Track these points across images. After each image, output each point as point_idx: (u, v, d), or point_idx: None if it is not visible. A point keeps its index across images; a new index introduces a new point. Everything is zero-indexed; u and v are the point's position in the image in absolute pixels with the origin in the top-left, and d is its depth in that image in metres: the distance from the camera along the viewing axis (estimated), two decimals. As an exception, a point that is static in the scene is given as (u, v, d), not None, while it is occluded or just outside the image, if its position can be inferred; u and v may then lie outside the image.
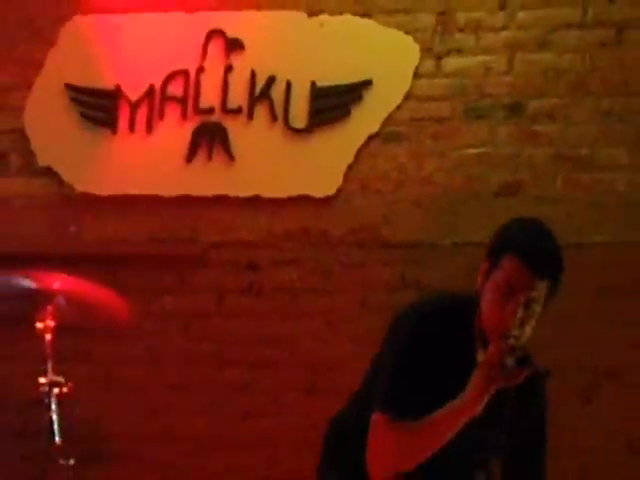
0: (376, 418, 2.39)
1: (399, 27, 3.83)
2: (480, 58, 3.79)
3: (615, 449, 3.40)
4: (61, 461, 2.85)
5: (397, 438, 2.39)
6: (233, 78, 3.90)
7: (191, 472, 3.56)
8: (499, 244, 2.36)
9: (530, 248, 2.32)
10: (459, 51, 3.82)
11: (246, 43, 3.89)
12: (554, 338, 3.42)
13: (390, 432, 2.39)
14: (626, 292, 3.51)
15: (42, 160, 3.96)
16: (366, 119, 3.78)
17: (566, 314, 3.39)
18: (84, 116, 3.97)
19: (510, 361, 2.20)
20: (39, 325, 2.95)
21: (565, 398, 3.34)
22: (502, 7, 3.83)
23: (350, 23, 3.84)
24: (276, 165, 3.79)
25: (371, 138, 3.74)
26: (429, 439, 2.36)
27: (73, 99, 3.98)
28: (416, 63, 3.80)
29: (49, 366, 2.91)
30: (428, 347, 2.41)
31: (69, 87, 3.98)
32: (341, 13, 3.86)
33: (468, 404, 2.30)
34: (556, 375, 3.47)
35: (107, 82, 3.96)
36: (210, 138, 3.88)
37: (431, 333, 2.43)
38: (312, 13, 3.87)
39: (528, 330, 2.28)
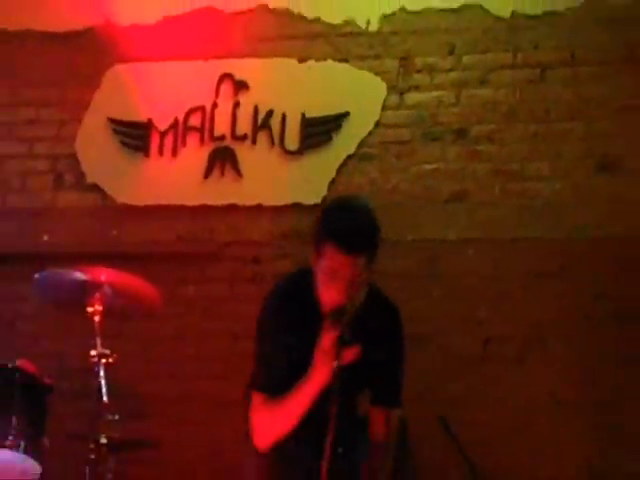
0: (253, 397, 2.35)
1: (370, 70, 3.87)
2: (434, 93, 3.81)
3: (541, 403, 3.40)
4: (108, 416, 2.87)
5: (269, 415, 2.31)
6: (240, 112, 3.92)
7: (210, 426, 3.52)
8: (318, 235, 2.22)
9: (342, 233, 2.15)
10: (417, 88, 3.84)
11: (250, 84, 3.92)
12: (494, 313, 3.53)
13: (262, 410, 2.33)
14: (549, 276, 3.52)
15: (90, 178, 4.00)
16: (344, 143, 3.81)
17: (503, 294, 3.54)
18: (123, 143, 4.00)
19: (347, 335, 2.10)
20: (90, 309, 2.97)
21: (501, 361, 3.51)
22: (451, 53, 3.83)
23: (331, 67, 3.88)
24: (274, 179, 3.82)
25: (348, 158, 3.77)
26: (292, 413, 2.25)
27: (114, 130, 4.01)
28: (383, 98, 3.83)
29: (98, 342, 2.94)
30: (280, 323, 2.32)
31: (111, 120, 4.01)
32: (324, 59, 3.88)
33: (315, 382, 2.18)
34: (494, 343, 3.54)
35: (141, 116, 4.00)
36: (222, 159, 3.90)
37: (279, 311, 2.33)
38: (302, 60, 3.91)
39: (359, 296, 2.20)
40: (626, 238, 3.50)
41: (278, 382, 2.30)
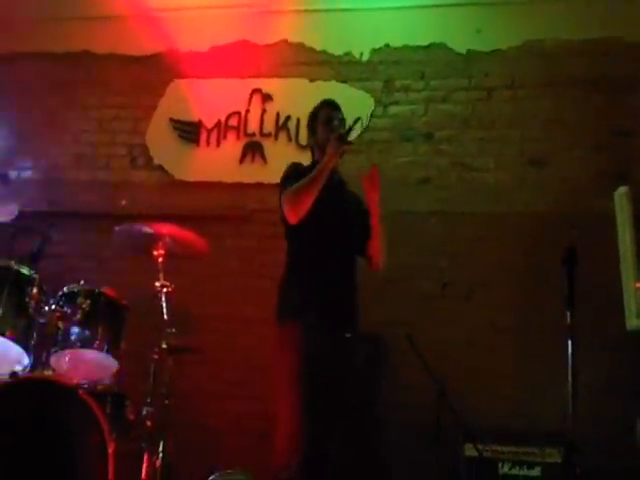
0: (283, 194, 2.54)
1: (362, 88, 3.90)
2: (409, 107, 3.86)
3: (484, 329, 3.42)
4: (167, 329, 2.91)
5: (291, 192, 2.50)
6: (266, 116, 3.95)
7: (243, 338, 3.55)
8: (312, 117, 2.75)
9: (325, 101, 2.76)
10: (396, 103, 3.88)
11: (274, 97, 3.96)
12: (450, 264, 3.55)
13: (288, 194, 2.52)
14: (490, 239, 3.53)
15: (156, 161, 4.03)
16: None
17: (456, 251, 3.54)
18: (180, 136, 4.02)
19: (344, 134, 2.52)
20: (155, 253, 2.99)
21: (455, 298, 3.52)
22: (422, 78, 3.87)
23: (334, 86, 3.89)
24: None
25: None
26: (308, 186, 2.45)
27: (174, 127, 4.03)
28: (371, 109, 3.86)
29: (161, 276, 2.97)
30: (299, 168, 2.65)
31: (172, 120, 4.04)
32: (329, 80, 3.91)
33: (325, 163, 2.48)
34: (450, 285, 3.54)
35: (194, 117, 4.02)
36: (253, 150, 3.93)
37: (298, 165, 2.68)
38: (312, 80, 3.94)
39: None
40: (546, 213, 3.51)
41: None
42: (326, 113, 2.68)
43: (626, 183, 3.32)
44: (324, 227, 2.48)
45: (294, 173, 2.58)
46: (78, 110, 4.14)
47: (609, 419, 3.09)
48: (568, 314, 2.41)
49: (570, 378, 2.35)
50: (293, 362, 2.39)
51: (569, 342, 2.39)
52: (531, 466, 2.93)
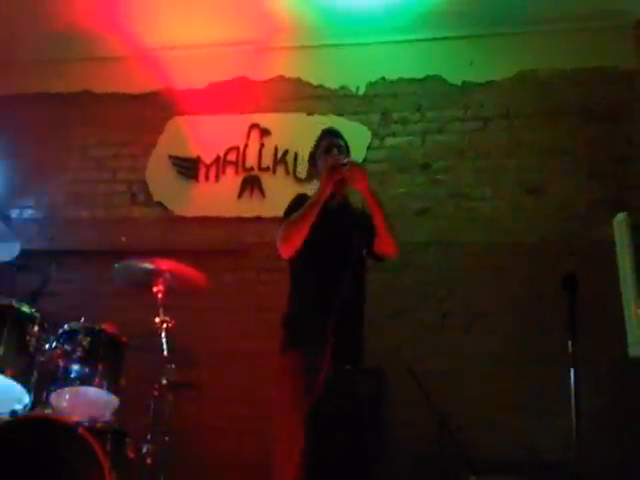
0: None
1: (359, 121, 3.96)
2: (405, 138, 3.91)
3: (484, 359, 3.35)
4: (167, 365, 2.95)
5: (282, 228, 2.53)
6: (264, 151, 4.02)
7: (243, 374, 3.50)
8: (314, 148, 2.77)
9: (325, 130, 2.76)
10: (393, 134, 3.93)
11: (272, 131, 4.04)
12: (449, 295, 3.53)
13: (280, 229, 2.55)
14: (488, 268, 3.54)
15: (156, 197, 4.08)
16: None
17: (455, 281, 3.55)
18: (179, 172, 4.08)
19: (345, 160, 2.50)
20: (154, 289, 3.03)
21: (455, 329, 3.50)
22: (418, 109, 3.92)
23: (332, 119, 3.91)
24: (288, 199, 3.50)
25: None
26: (297, 221, 2.47)
27: (173, 163, 4.10)
28: (369, 141, 3.91)
29: (160, 311, 3.00)
30: (302, 199, 2.61)
31: (171, 157, 4.11)
32: (326, 114, 3.97)
33: (320, 193, 2.48)
34: (449, 316, 3.54)
35: (192, 153, 4.07)
36: (251, 184, 3.98)
37: (303, 197, 2.64)
38: (309, 114, 4.01)
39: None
40: (544, 241, 3.52)
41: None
42: (326, 142, 2.69)
43: (624, 209, 3.36)
44: (323, 256, 2.47)
45: (295, 206, 2.59)
46: (78, 149, 4.21)
47: (614, 447, 3.06)
48: (570, 343, 2.41)
49: (573, 407, 2.34)
50: (293, 390, 2.36)
51: (571, 370, 2.38)
52: None
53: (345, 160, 2.51)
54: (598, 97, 3.73)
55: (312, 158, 2.74)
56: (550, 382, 3.15)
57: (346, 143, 2.72)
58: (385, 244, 2.55)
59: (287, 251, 2.49)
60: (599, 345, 3.15)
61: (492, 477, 2.95)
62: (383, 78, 4.01)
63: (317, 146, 2.73)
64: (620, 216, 3.38)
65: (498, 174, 3.74)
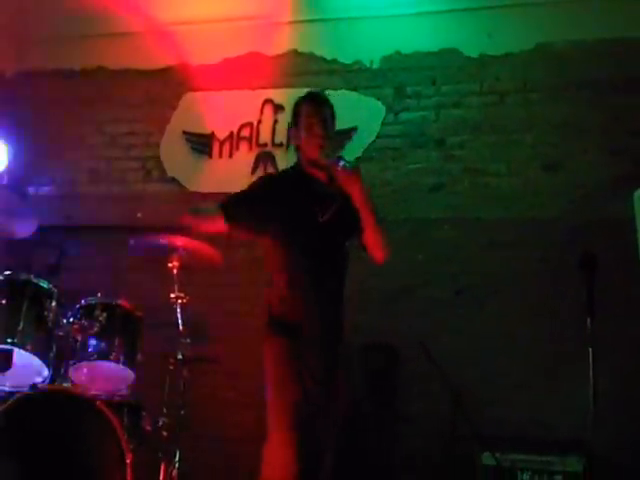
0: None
1: (373, 96, 3.92)
2: (420, 113, 3.86)
3: (499, 337, 3.33)
4: (182, 340, 2.94)
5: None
6: (278, 126, 3.97)
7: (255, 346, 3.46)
8: (294, 111, 2.46)
9: (310, 94, 2.47)
10: (407, 109, 3.89)
11: (285, 107, 3.90)
12: (462, 271, 3.51)
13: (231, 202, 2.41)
14: (503, 244, 3.47)
15: (170, 173, 4.09)
16: (354, 149, 3.81)
17: (469, 257, 3.48)
18: (193, 148, 4.07)
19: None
20: (170, 264, 2.99)
21: (467, 306, 3.45)
22: (433, 83, 3.87)
23: (345, 94, 3.90)
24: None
25: (357, 159, 3.67)
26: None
27: (186, 139, 4.09)
28: (383, 116, 3.87)
29: (175, 287, 2.97)
30: (264, 184, 2.45)
31: (185, 132, 4.10)
32: (340, 89, 3.90)
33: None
34: (463, 293, 3.45)
35: (206, 129, 4.05)
36: (265, 160, 3.97)
37: (268, 178, 2.51)
38: (323, 89, 3.65)
39: (331, 149, 2.34)
40: (560, 218, 3.48)
41: (235, 206, 2.34)
42: (305, 113, 2.38)
43: None
44: (310, 244, 2.33)
45: (257, 187, 2.44)
46: (93, 125, 4.21)
47: (630, 427, 3.04)
48: (588, 321, 2.36)
49: (592, 385, 2.31)
50: (277, 372, 2.27)
51: (589, 349, 2.35)
52: (551, 475, 2.87)
53: (341, 164, 2.26)
54: (617, 70, 3.65)
55: (290, 129, 2.52)
56: (566, 360, 3.13)
57: (332, 109, 2.43)
58: (373, 248, 2.40)
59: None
60: (616, 324, 3.09)
61: (506, 454, 2.92)
62: (398, 52, 3.96)
63: (297, 114, 2.42)
64: (639, 192, 3.30)
65: (514, 150, 3.68)
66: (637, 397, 3.11)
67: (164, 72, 4.15)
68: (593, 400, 2.30)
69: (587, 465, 2.78)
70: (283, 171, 2.61)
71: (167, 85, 4.13)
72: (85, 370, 2.91)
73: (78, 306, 2.94)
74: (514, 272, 3.48)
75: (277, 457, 2.18)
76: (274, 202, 2.36)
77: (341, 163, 2.27)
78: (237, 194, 2.46)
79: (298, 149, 2.47)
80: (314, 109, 2.38)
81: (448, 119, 3.81)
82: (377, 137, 3.81)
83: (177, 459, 2.82)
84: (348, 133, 3.84)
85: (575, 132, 3.63)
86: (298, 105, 2.45)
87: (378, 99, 3.90)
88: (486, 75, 3.80)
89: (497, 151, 3.71)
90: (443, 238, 3.60)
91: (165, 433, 2.85)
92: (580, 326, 2.40)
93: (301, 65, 4.01)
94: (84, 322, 2.88)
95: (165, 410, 2.87)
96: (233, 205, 2.42)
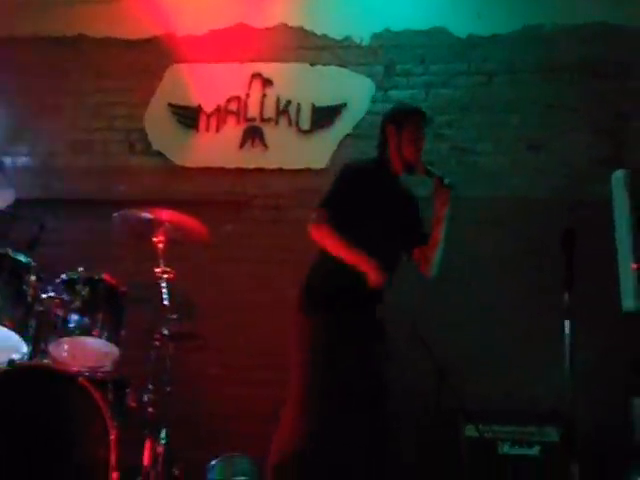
0: (318, 210, 2.43)
1: (363, 73, 3.82)
2: (409, 91, 3.77)
3: (481, 312, 3.28)
4: (168, 316, 2.84)
5: (326, 232, 2.40)
6: (266, 101, 3.86)
7: (243, 324, 3.44)
8: (401, 115, 2.61)
9: (420, 111, 2.64)
10: (397, 87, 3.80)
11: (274, 81, 3.86)
12: (449, 248, 3.10)
13: (322, 226, 2.41)
14: (489, 222, 3.43)
15: (155, 146, 3.90)
16: (343, 126, 3.75)
17: (456, 234, 3.08)
18: (179, 121, 3.90)
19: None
20: (154, 239, 2.89)
21: (451, 283, 3.29)
22: (422, 62, 3.79)
23: (335, 70, 3.82)
24: (291, 150, 3.76)
25: (346, 136, 3.72)
26: (338, 251, 2.39)
27: (172, 112, 3.92)
28: (372, 94, 3.79)
29: (161, 262, 2.88)
30: (355, 179, 2.51)
31: (170, 105, 3.93)
32: (329, 65, 3.83)
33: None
34: (448, 269, 3.18)
35: (193, 102, 3.90)
36: (253, 135, 3.84)
37: (356, 171, 2.56)
38: (312, 64, 3.85)
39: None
40: (544, 197, 3.45)
41: (339, 210, 2.38)
42: (415, 129, 2.57)
43: (624, 167, 3.15)
44: (381, 231, 2.45)
45: (349, 180, 2.49)
46: (74, 95, 3.99)
47: (606, 398, 3.04)
48: (566, 295, 2.35)
49: (568, 358, 2.31)
50: (315, 354, 2.34)
51: (566, 323, 2.34)
52: (530, 445, 2.93)
53: (447, 182, 2.53)
54: (603, 53, 3.63)
55: (388, 123, 2.58)
56: (547, 334, 3.08)
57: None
58: (429, 264, 2.61)
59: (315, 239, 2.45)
60: (594, 299, 3.04)
61: (488, 426, 2.93)
62: (388, 29, 3.85)
63: (404, 121, 2.56)
64: (618, 173, 3.27)
65: (500, 129, 3.64)
66: (613, 369, 3.12)
67: (149, 42, 3.96)
68: (570, 372, 2.29)
69: (564, 435, 2.84)
70: (365, 163, 2.64)
71: (152, 56, 3.94)
72: (66, 346, 2.76)
73: (59, 280, 2.79)
74: (499, 249, 3.43)
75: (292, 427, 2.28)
76: (365, 196, 2.47)
77: (446, 180, 2.53)
78: (335, 193, 2.47)
79: (387, 147, 2.61)
80: (422, 127, 2.61)
81: (437, 98, 3.73)
82: (366, 114, 3.71)
83: (162, 436, 2.70)
84: (338, 109, 3.77)
85: (560, 113, 3.61)
86: (408, 114, 2.63)
87: (368, 76, 3.79)
88: (474, 55, 3.75)
89: (484, 130, 3.66)
90: (429, 216, 3.40)
91: (150, 410, 2.74)
92: (559, 301, 2.37)
93: (290, 39, 3.88)
94: (65, 297, 2.73)
95: (151, 386, 2.75)
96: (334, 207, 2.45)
